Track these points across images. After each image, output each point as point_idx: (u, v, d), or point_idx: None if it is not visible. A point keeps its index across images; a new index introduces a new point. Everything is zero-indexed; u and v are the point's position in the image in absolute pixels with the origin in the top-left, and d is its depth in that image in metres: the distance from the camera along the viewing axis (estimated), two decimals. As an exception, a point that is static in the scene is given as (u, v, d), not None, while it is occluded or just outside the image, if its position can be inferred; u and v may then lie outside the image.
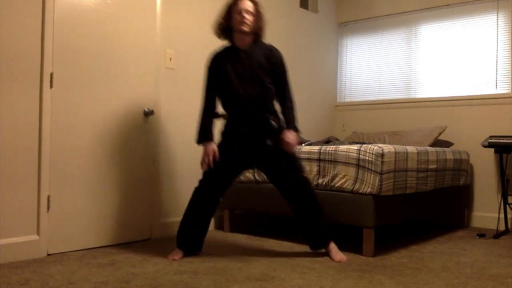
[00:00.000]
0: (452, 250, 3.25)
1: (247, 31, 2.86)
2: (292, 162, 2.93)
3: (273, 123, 2.89)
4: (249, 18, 2.85)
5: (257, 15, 2.91)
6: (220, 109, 3.03)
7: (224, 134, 3.00)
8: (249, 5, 2.88)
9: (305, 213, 2.95)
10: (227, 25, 2.91)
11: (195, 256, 2.92)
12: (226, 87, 2.89)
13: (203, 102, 2.99)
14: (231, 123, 2.96)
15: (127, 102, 3.32)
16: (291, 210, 3.01)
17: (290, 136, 2.86)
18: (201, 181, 2.94)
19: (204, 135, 2.93)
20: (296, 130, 2.93)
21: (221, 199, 3.73)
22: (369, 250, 3.02)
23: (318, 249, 3.00)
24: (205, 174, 2.93)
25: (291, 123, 2.92)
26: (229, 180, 2.99)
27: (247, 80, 2.86)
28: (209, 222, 3.00)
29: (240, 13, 2.84)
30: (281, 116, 2.97)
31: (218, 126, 3.05)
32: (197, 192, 2.93)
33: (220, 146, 2.96)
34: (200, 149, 3.71)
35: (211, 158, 2.87)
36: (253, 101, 2.87)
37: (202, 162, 2.90)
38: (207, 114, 2.96)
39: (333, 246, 2.96)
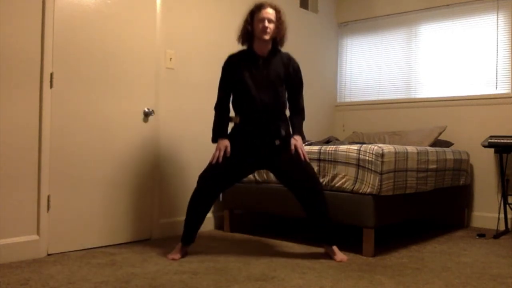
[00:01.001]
0: (452, 250, 3.25)
1: (267, 39, 2.88)
2: (303, 168, 2.92)
3: (282, 130, 2.94)
4: (270, 26, 2.87)
5: (279, 22, 2.93)
6: (231, 112, 3.06)
7: (232, 135, 3.01)
8: (271, 13, 2.90)
9: (314, 216, 2.95)
10: (249, 31, 2.93)
11: (195, 256, 2.92)
12: (241, 91, 2.93)
13: (217, 102, 3.03)
14: (242, 126, 2.97)
15: (127, 101, 3.32)
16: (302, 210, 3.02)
17: (297, 140, 2.95)
18: (204, 170, 2.95)
19: (218, 134, 2.98)
20: (302, 137, 3.03)
21: (221, 196, 3.75)
22: (369, 250, 3.02)
23: (323, 243, 2.99)
24: (210, 164, 2.94)
25: (299, 130, 3.03)
26: (232, 177, 2.97)
27: (262, 87, 2.90)
28: (204, 214, 2.97)
29: (262, 21, 2.86)
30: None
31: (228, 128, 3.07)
32: (199, 181, 2.93)
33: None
34: (200, 149, 3.72)
35: (221, 153, 2.89)
36: (266, 108, 2.90)
37: (213, 156, 2.92)
38: (221, 114, 3.01)
39: (334, 247, 2.96)
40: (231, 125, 3.06)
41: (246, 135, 2.93)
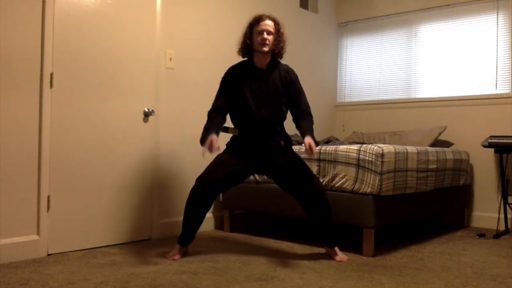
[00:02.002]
0: (452, 250, 3.25)
1: (266, 50, 2.88)
2: (305, 174, 2.90)
3: (282, 142, 2.94)
4: (269, 38, 2.87)
5: (278, 34, 2.92)
6: (228, 123, 3.03)
7: (231, 143, 3.01)
8: (270, 25, 2.89)
9: (315, 219, 2.94)
10: (249, 44, 2.93)
11: (195, 256, 2.92)
12: (240, 104, 2.92)
13: (211, 109, 2.97)
14: (240, 138, 2.96)
15: (127, 102, 3.32)
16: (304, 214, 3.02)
17: (310, 141, 2.79)
18: (202, 173, 2.94)
19: (205, 135, 2.83)
20: (314, 139, 2.86)
21: (221, 196, 3.75)
22: (369, 250, 3.02)
23: (324, 245, 3.00)
24: (207, 169, 2.93)
25: (310, 132, 2.88)
26: (230, 181, 2.95)
27: (261, 100, 2.89)
28: (201, 215, 2.94)
29: (260, 33, 2.86)
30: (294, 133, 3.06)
31: (226, 139, 3.06)
32: (196, 183, 2.92)
33: (226, 151, 3.00)
34: (200, 149, 3.72)
35: (208, 143, 2.73)
36: (265, 121, 2.90)
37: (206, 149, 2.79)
38: (213, 118, 2.92)
39: (335, 247, 2.96)
40: (229, 136, 3.04)
41: (245, 147, 2.93)
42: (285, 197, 3.20)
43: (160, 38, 3.52)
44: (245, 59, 3.02)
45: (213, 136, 2.76)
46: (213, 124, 2.89)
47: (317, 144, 2.91)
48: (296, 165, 2.92)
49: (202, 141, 2.82)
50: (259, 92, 2.90)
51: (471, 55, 4.43)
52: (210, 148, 2.73)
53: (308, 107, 3.04)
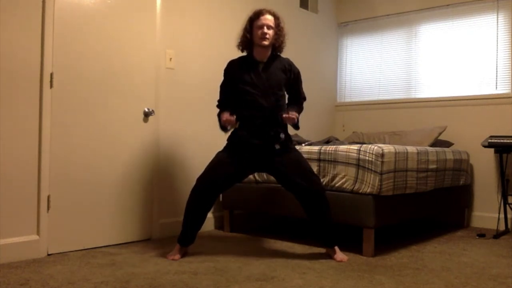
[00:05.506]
0: (452, 250, 3.25)
1: (267, 44, 2.90)
2: (303, 171, 2.92)
3: (282, 134, 2.93)
4: (269, 32, 2.89)
5: (278, 29, 2.94)
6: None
7: (231, 138, 3.02)
8: (270, 19, 2.92)
9: (314, 218, 2.95)
10: (248, 38, 2.95)
11: (195, 256, 2.92)
12: (241, 96, 2.93)
13: (219, 100, 3.08)
14: (241, 130, 2.97)
15: (127, 101, 3.32)
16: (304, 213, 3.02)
17: (292, 112, 2.87)
18: (203, 172, 2.95)
19: (220, 119, 3.00)
20: (297, 112, 2.99)
21: (220, 196, 3.75)
22: (369, 250, 3.02)
23: (324, 245, 3.01)
24: (208, 168, 2.94)
25: (295, 108, 2.98)
26: (230, 179, 2.97)
27: (261, 92, 2.90)
28: (202, 215, 2.96)
29: (261, 27, 2.88)
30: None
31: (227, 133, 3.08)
32: (197, 183, 2.93)
33: (226, 148, 3.01)
34: (200, 149, 3.73)
35: (223, 119, 2.90)
36: (265, 112, 2.91)
37: (225, 123, 2.91)
38: (224, 106, 3.03)
39: (335, 247, 2.96)
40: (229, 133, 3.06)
41: (245, 139, 2.93)
42: (285, 197, 3.20)
43: (160, 38, 3.52)
44: (244, 54, 3.03)
45: (225, 113, 2.90)
46: (223, 108, 3.02)
47: (297, 120, 2.94)
48: (296, 163, 2.92)
49: (221, 126, 3.00)
50: (259, 84, 2.91)
51: (471, 55, 4.43)
52: (229, 122, 2.89)
53: (303, 97, 3.13)
